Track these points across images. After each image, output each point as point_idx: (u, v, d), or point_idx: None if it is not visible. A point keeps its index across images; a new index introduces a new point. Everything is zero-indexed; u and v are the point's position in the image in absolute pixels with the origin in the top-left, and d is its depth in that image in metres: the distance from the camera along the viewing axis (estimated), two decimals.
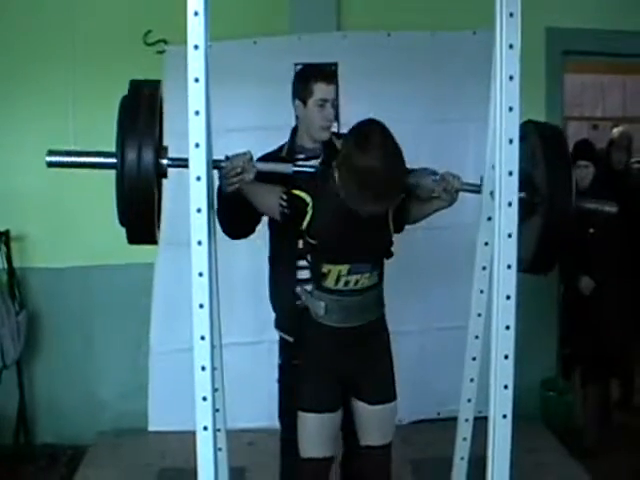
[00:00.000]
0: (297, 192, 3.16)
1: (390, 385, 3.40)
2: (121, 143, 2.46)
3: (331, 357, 3.29)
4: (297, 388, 3.36)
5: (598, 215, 3.18)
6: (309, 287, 3.35)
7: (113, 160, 2.50)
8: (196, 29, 2.30)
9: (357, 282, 3.22)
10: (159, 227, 2.82)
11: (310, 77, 3.55)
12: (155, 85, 2.68)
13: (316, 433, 3.31)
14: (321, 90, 3.53)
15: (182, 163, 2.48)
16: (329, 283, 3.22)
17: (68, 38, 5.28)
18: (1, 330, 5.03)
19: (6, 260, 5.23)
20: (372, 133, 2.94)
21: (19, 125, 5.36)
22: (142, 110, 2.51)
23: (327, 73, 3.68)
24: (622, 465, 4.86)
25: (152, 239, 2.71)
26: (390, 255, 3.32)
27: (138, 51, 5.19)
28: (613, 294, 5.27)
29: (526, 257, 2.75)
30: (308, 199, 3.13)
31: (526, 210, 2.72)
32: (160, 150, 2.67)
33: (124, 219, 2.57)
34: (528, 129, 2.78)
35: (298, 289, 3.42)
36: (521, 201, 2.68)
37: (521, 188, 2.66)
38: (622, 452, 5.06)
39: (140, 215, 2.56)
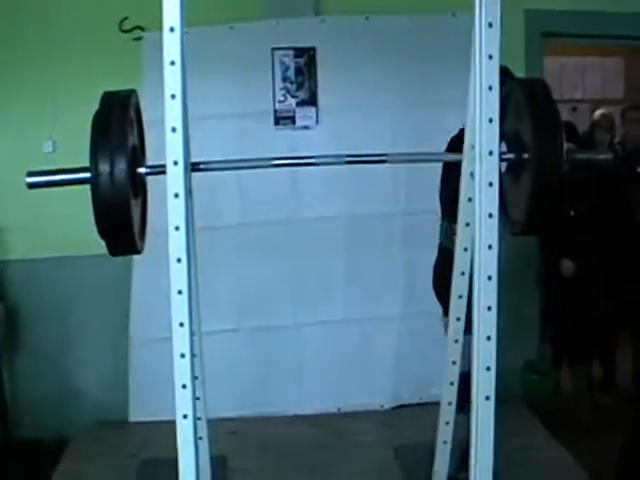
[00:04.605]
0: None
1: None
2: (93, 158, 2.43)
3: None
4: None
5: (593, 165, 3.13)
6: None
7: (88, 175, 2.47)
8: (172, 11, 2.27)
9: None
10: (144, 236, 2.79)
11: None
12: (127, 94, 2.64)
13: None
14: None
15: (161, 170, 2.44)
16: None
17: (43, 26, 5.23)
18: None
19: None
20: None
21: None
22: (113, 122, 2.48)
23: None
24: (605, 446, 4.86)
25: (134, 250, 2.68)
26: None
27: (114, 38, 5.17)
28: (594, 276, 5.29)
29: (518, 219, 2.71)
30: None
31: (515, 170, 2.69)
32: (137, 159, 2.64)
33: (102, 233, 2.55)
34: (511, 86, 2.74)
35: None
36: (509, 162, 2.66)
37: (508, 148, 2.65)
38: (605, 433, 5.07)
39: (118, 228, 2.53)
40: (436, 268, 4.37)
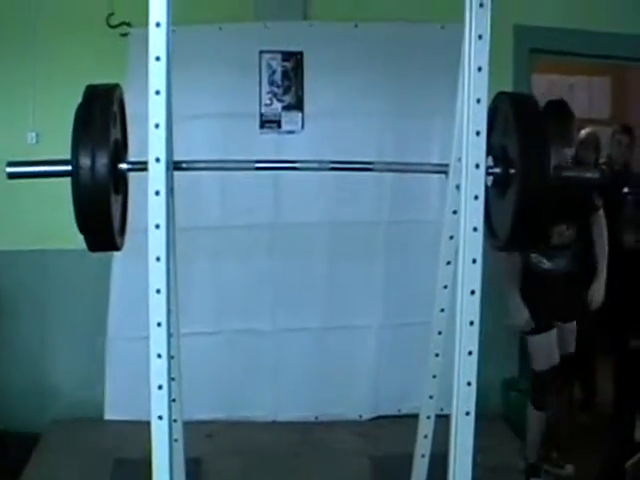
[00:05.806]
0: None
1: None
2: (74, 151, 2.41)
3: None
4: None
5: (579, 183, 3.12)
6: None
7: (69, 168, 2.45)
8: (158, 6, 2.24)
9: None
10: (123, 232, 2.76)
11: None
12: (111, 88, 2.62)
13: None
14: None
15: (143, 167, 2.41)
16: None
17: (29, 20, 5.18)
18: None
19: None
20: None
21: None
22: (96, 116, 2.47)
23: None
24: (583, 465, 4.85)
25: (113, 246, 2.66)
26: None
27: (101, 33, 5.14)
28: None
29: (502, 234, 2.69)
30: None
31: (501, 185, 2.67)
32: (119, 154, 2.62)
33: (81, 228, 2.53)
34: (500, 100, 2.73)
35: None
36: (495, 176, 2.64)
37: (495, 163, 2.63)
38: (583, 453, 5.05)
39: (97, 223, 2.51)
40: None
